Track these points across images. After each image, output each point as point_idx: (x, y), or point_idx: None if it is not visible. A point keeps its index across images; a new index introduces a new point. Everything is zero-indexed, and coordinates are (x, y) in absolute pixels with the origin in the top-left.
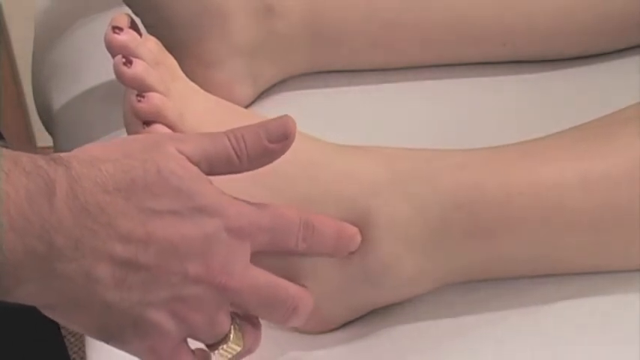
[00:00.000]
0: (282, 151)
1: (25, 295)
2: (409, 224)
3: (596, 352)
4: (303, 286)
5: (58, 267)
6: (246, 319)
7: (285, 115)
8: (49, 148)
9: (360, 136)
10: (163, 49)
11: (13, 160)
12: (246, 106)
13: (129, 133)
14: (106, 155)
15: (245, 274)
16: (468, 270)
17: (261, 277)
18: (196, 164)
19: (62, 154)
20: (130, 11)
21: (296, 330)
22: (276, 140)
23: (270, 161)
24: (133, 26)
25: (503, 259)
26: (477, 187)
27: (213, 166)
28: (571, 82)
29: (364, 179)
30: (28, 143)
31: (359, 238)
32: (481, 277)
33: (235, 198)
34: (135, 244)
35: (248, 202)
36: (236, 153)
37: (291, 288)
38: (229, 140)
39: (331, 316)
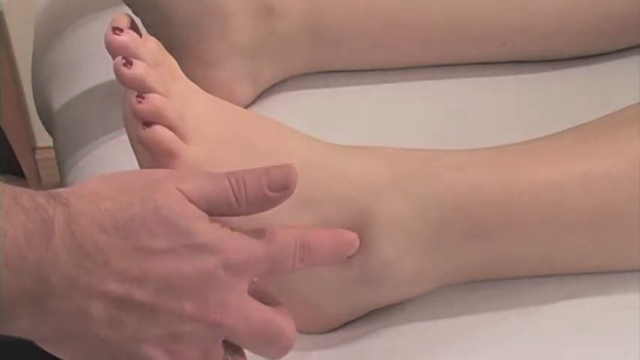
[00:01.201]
0: (281, 200)
1: (18, 329)
2: (409, 224)
3: (596, 352)
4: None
5: (52, 304)
6: (237, 347)
7: (287, 165)
8: (49, 148)
9: (360, 136)
10: (163, 49)
11: (14, 197)
12: (246, 106)
13: (129, 134)
14: (105, 191)
15: (240, 310)
16: (468, 270)
17: (257, 313)
18: (195, 203)
19: (62, 191)
20: (130, 11)
21: (297, 330)
22: (277, 189)
23: (268, 208)
24: (133, 27)
25: (504, 259)
26: (477, 187)
27: (212, 207)
28: (571, 82)
29: (364, 179)
30: (28, 143)
31: (357, 243)
32: (481, 277)
33: (232, 231)
34: (129, 282)
35: (245, 235)
36: (235, 196)
37: (286, 325)
38: (230, 183)
39: (331, 316)
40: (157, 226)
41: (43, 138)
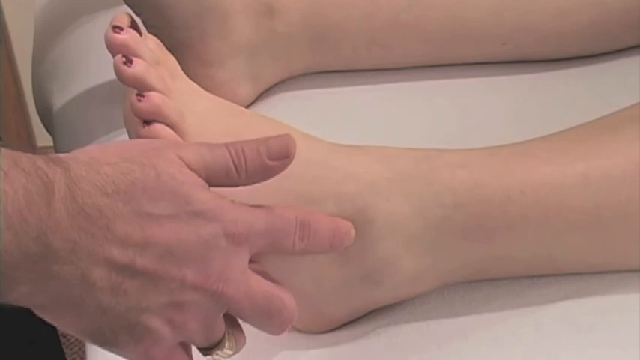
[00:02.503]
0: (281, 170)
1: (20, 295)
2: (409, 224)
3: (596, 353)
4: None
5: (54, 269)
6: (236, 324)
7: (286, 135)
8: (49, 148)
9: (360, 135)
10: (164, 48)
11: (13, 160)
12: (247, 106)
13: (129, 132)
14: (105, 158)
15: (242, 280)
16: (468, 269)
17: (258, 285)
18: (195, 172)
19: (61, 155)
20: (130, 11)
21: (296, 329)
22: (276, 158)
23: (268, 178)
24: (134, 25)
25: (503, 259)
26: (476, 187)
27: (211, 177)
28: (571, 82)
29: (364, 179)
30: (28, 143)
31: (353, 232)
32: (481, 276)
33: (233, 202)
34: (132, 248)
35: (246, 206)
36: (235, 166)
37: (288, 300)
38: (229, 153)
39: (331, 315)
40: (159, 192)
41: (43, 138)
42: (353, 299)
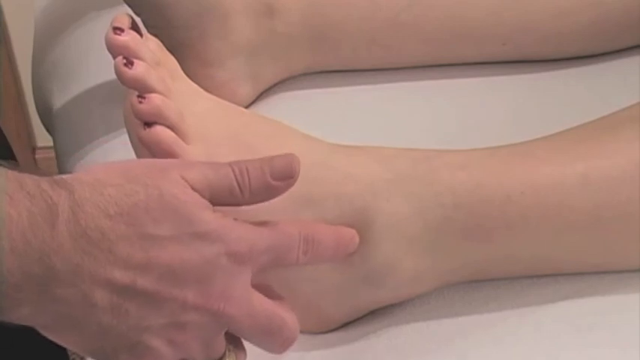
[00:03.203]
0: (285, 190)
1: (21, 315)
2: (409, 224)
3: (596, 353)
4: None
5: (56, 291)
6: (238, 341)
7: (291, 154)
8: (49, 148)
9: (360, 135)
10: (164, 49)
11: (19, 183)
12: (247, 106)
13: (129, 133)
14: (109, 178)
15: (244, 299)
16: (468, 270)
17: (260, 304)
18: (199, 192)
19: (66, 177)
20: (130, 11)
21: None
22: (280, 178)
23: (272, 197)
24: (134, 26)
25: (504, 259)
26: (476, 187)
27: (215, 196)
28: (571, 82)
29: (364, 179)
30: (28, 143)
31: (357, 239)
32: (481, 277)
33: (236, 220)
34: (134, 269)
35: (248, 224)
36: (239, 185)
37: (289, 319)
38: (233, 172)
39: (331, 316)
40: (161, 213)
41: (43, 138)
42: (354, 300)
